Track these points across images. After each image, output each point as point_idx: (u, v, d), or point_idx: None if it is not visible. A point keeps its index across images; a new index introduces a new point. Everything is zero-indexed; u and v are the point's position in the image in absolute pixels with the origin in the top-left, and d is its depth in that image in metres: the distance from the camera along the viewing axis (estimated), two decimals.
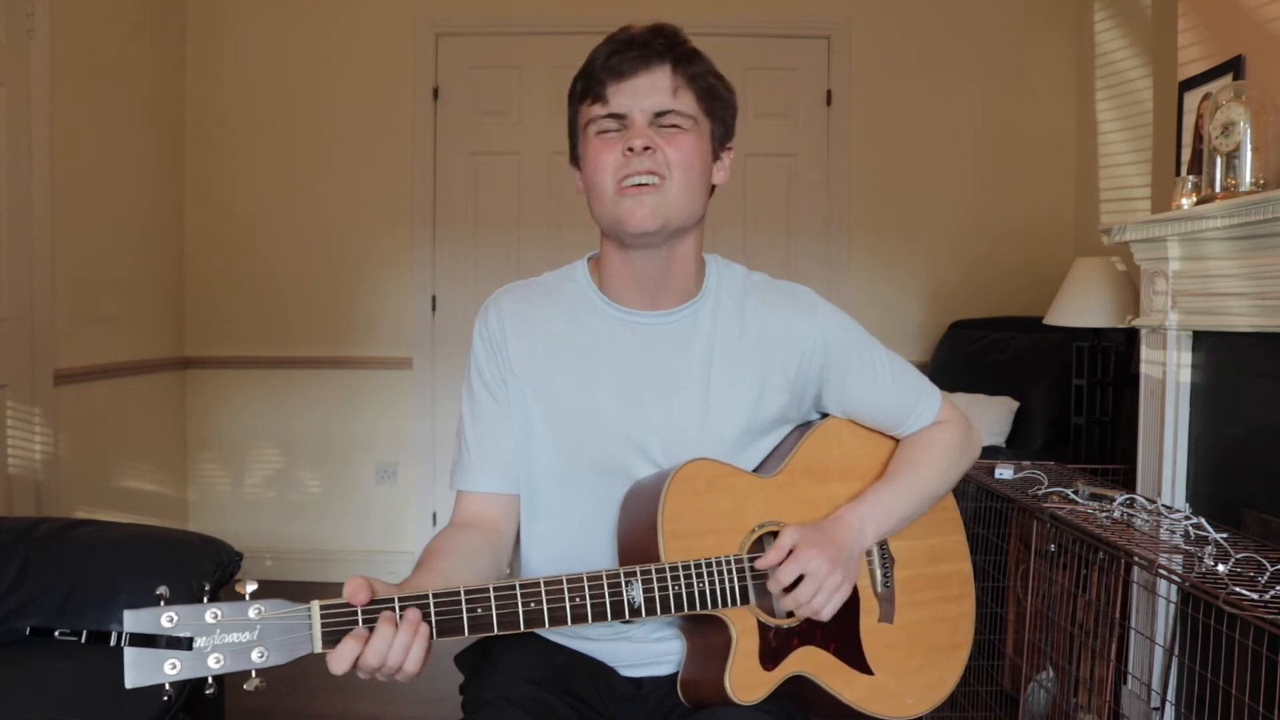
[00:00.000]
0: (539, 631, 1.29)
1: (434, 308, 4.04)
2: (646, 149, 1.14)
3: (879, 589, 1.26)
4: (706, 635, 1.15)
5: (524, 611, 1.02)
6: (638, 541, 1.15)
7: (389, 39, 3.98)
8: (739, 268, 1.33)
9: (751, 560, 1.16)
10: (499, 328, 1.27)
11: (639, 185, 1.15)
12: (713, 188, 1.26)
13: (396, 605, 0.98)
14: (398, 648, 0.96)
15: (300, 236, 4.01)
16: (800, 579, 1.13)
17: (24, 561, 1.78)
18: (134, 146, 3.62)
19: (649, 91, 1.15)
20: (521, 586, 1.03)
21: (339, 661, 0.95)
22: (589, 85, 1.18)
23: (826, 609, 1.13)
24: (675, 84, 1.16)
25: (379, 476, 4.05)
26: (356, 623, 0.96)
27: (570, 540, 1.24)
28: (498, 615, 1.01)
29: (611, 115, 1.16)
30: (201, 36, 3.98)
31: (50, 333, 3.02)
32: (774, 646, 1.14)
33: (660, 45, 1.17)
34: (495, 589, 1.02)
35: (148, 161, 3.73)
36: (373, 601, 0.97)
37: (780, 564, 1.12)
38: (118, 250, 3.51)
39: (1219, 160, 2.13)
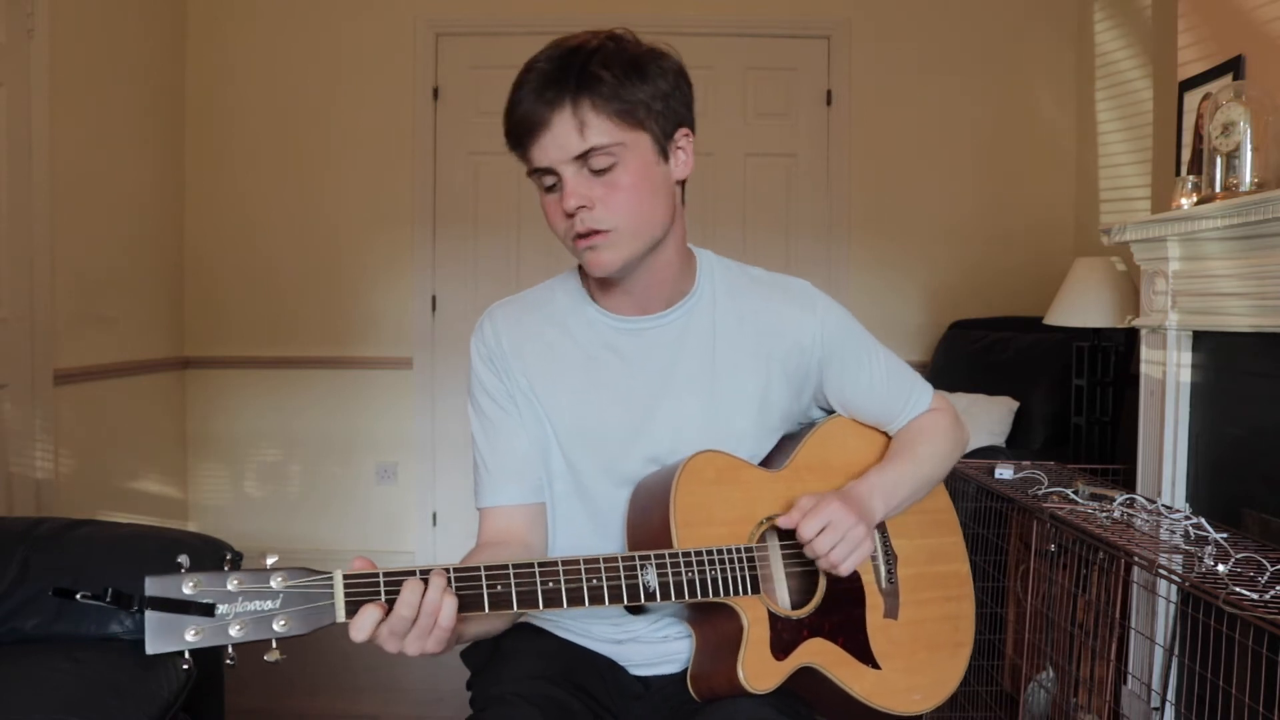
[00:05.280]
0: (548, 626, 1.31)
1: (434, 308, 4.04)
2: (582, 207, 1.12)
3: (883, 585, 1.26)
4: (717, 626, 1.16)
5: (543, 590, 1.02)
6: (649, 531, 1.15)
7: (389, 39, 3.98)
8: (733, 262, 1.33)
9: (772, 521, 1.17)
10: (496, 344, 1.26)
11: (588, 239, 1.14)
12: (681, 183, 1.22)
13: (418, 574, 0.98)
14: (428, 603, 0.96)
15: (300, 236, 4.01)
16: (825, 530, 1.13)
17: (24, 561, 1.78)
18: (134, 146, 3.62)
19: (559, 141, 1.10)
20: (540, 566, 1.03)
21: (359, 628, 0.94)
22: (508, 140, 1.15)
23: (848, 561, 1.14)
24: (579, 122, 1.09)
25: (379, 476, 4.05)
26: (379, 591, 0.96)
27: (585, 550, 1.24)
28: (517, 593, 1.01)
29: (539, 170, 1.14)
30: (201, 36, 3.98)
31: (50, 333, 3.02)
32: (784, 637, 1.15)
33: (556, 79, 1.09)
34: (514, 567, 1.02)
35: (148, 161, 3.73)
36: (393, 571, 0.97)
37: (802, 518, 1.13)
38: (118, 250, 3.52)
39: (1219, 160, 2.13)
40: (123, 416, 3.54)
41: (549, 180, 1.14)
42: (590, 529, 1.25)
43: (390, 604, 0.96)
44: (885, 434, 1.37)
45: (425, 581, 0.97)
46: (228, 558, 0.95)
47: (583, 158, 1.10)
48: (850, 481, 1.25)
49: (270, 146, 4.00)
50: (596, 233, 1.13)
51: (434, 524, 4.04)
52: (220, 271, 4.02)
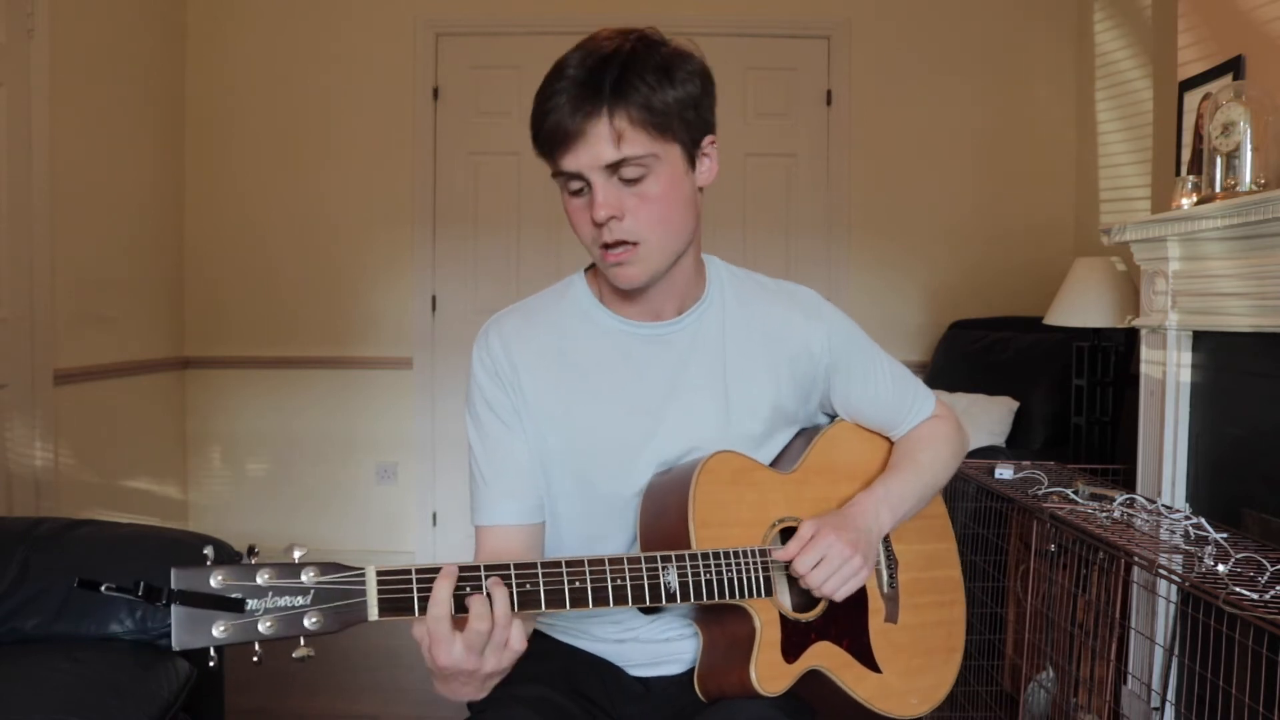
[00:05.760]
0: (545, 628, 1.30)
1: (434, 308, 4.04)
2: (612, 218, 1.11)
3: (885, 590, 1.27)
4: (728, 627, 1.15)
5: (570, 589, 1.01)
6: (665, 530, 1.14)
7: (389, 39, 3.98)
8: (740, 269, 1.33)
9: (784, 523, 1.17)
10: (505, 358, 1.22)
11: (616, 252, 1.13)
12: (702, 188, 1.22)
13: (447, 566, 0.95)
14: (499, 606, 0.95)
15: (300, 236, 4.01)
16: (820, 563, 1.13)
17: (24, 561, 1.78)
18: (134, 146, 3.62)
19: (593, 149, 1.08)
20: (567, 564, 1.02)
21: (438, 602, 0.93)
22: (537, 144, 1.14)
23: (842, 590, 1.14)
24: (616, 131, 1.07)
25: (379, 476, 4.05)
26: (412, 588, 0.93)
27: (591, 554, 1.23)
28: (545, 592, 1.00)
29: (567, 175, 1.12)
30: (202, 36, 3.99)
31: (50, 333, 3.02)
32: (793, 640, 1.15)
33: (592, 89, 1.07)
34: (543, 566, 1.00)
35: (148, 161, 3.73)
36: (426, 566, 0.95)
37: (800, 551, 1.13)
38: (118, 250, 3.52)
39: (1219, 160, 2.13)
40: (123, 416, 3.54)
41: (576, 185, 1.13)
42: (597, 534, 1.23)
43: (459, 602, 0.95)
44: (884, 435, 1.37)
45: (490, 596, 0.96)
46: (254, 549, 0.92)
47: (614, 167, 1.09)
48: (858, 494, 1.25)
49: (270, 146, 4.00)
50: (625, 245, 1.12)
51: (434, 524, 4.04)
52: (220, 271, 4.02)
